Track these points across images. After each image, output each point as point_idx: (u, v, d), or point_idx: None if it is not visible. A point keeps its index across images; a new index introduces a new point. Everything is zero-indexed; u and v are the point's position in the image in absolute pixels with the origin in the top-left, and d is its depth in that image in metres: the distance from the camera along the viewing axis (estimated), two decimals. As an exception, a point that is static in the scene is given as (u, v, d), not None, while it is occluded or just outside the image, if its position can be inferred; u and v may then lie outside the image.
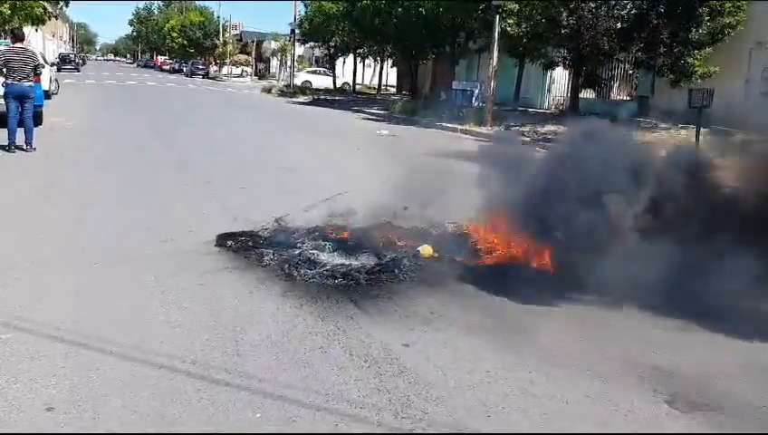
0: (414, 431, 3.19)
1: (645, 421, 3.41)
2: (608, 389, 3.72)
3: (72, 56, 61.35)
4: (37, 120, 12.43)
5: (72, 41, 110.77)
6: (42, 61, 13.47)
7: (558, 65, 23.39)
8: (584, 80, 21.98)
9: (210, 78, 60.58)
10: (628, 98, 24.18)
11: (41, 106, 13.39)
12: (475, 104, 23.35)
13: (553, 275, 5.23)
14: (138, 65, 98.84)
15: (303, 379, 3.67)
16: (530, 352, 4.14)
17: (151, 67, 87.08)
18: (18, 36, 11.72)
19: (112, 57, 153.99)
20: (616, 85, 25.02)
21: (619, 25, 19.47)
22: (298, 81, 46.14)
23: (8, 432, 3.02)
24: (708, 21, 18.16)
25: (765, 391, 3.80)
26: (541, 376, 3.84)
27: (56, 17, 42.74)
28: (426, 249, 5.98)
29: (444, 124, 21.07)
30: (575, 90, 22.42)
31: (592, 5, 19.19)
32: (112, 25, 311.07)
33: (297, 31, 44.44)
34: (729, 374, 3.99)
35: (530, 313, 4.80)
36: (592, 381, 3.80)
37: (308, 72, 50.15)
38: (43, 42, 48.25)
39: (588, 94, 23.30)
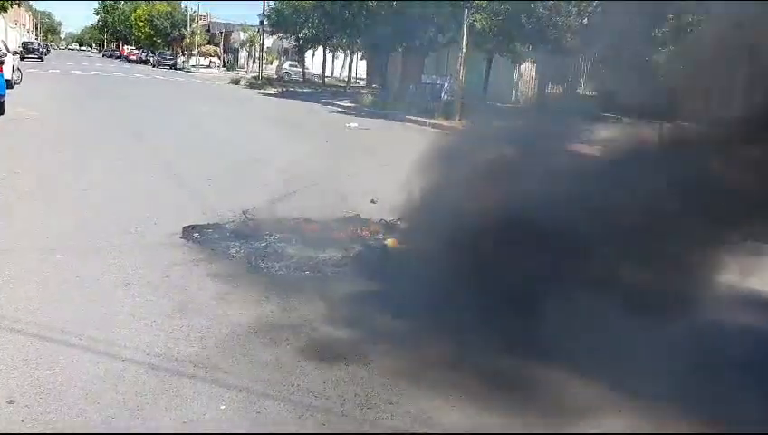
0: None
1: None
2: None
3: (35, 45, 60.01)
4: (-1, 109, 12.21)
5: (36, 29, 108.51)
6: (4, 49, 13.19)
7: (526, 60, 23.58)
8: (551, 75, 22.20)
9: (178, 69, 59.72)
10: (594, 93, 24.44)
11: (3, 96, 13.14)
12: (445, 98, 23.43)
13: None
14: (103, 55, 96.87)
15: (269, 371, 3.68)
16: (494, 342, 4.19)
17: (117, 57, 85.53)
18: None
19: (77, 47, 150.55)
20: (582, 80, 25.27)
21: (585, 21, 19.66)
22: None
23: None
24: (672, 20, 18.43)
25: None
26: (503, 365, 3.90)
27: (18, 5, 41.81)
28: (392, 242, 6.02)
29: (413, 118, 21.12)
30: (542, 84, 22.63)
31: (549, 3, 19.36)
32: (77, 14, 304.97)
33: (266, 22, 44.09)
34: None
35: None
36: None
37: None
38: (5, 30, 47.18)
39: (556, 89, 23.52)
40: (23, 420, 3.08)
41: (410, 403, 3.42)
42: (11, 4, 33.50)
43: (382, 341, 4.15)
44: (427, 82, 25.50)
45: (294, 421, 3.20)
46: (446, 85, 24.68)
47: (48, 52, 70.95)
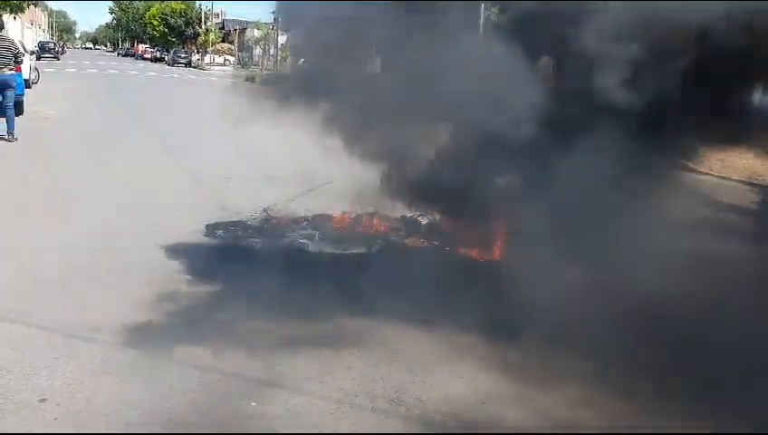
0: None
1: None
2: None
3: (51, 44, 60.39)
4: (18, 109, 12.25)
5: (51, 29, 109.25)
6: (21, 49, 13.24)
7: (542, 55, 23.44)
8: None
9: (193, 67, 59.96)
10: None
11: (22, 95, 13.18)
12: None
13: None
14: (118, 54, 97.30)
15: (297, 368, 3.68)
16: (523, 340, 4.16)
17: (132, 56, 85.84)
18: (-2, 25, 11.54)
19: (91, 46, 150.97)
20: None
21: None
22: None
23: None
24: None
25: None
26: (532, 365, 3.88)
27: (35, 5, 42.09)
28: (413, 239, 5.99)
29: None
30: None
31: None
32: (92, 13, 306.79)
33: (280, 19, 44.10)
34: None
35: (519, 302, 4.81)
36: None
37: None
38: (22, 30, 47.55)
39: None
40: (55, 419, 3.09)
41: (440, 399, 3.41)
42: (27, 5, 33.72)
43: (410, 337, 4.15)
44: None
45: (327, 419, 3.20)
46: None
47: (64, 51, 71.42)
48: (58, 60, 52.07)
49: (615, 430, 3.25)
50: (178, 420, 3.12)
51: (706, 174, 10.09)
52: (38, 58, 37.23)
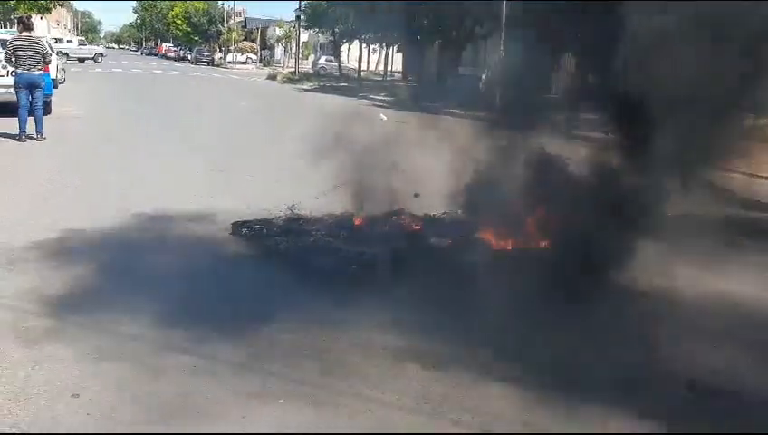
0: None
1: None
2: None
3: (77, 44, 61.09)
4: (46, 108, 12.42)
5: (76, 29, 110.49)
6: (49, 49, 13.40)
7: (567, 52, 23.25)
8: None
9: (215, 65, 60.37)
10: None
11: (50, 95, 13.37)
12: (483, 90, 23.25)
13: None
14: (142, 53, 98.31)
15: (323, 365, 3.70)
16: (556, 333, 4.16)
17: (155, 55, 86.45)
18: (27, 25, 11.68)
19: (114, 45, 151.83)
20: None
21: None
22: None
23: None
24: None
25: None
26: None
27: (61, 5, 42.62)
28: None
29: (450, 110, 20.99)
30: (584, 75, 22.35)
31: None
32: (116, 13, 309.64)
33: (302, 17, 44.24)
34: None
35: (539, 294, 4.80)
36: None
37: None
38: (48, 30, 48.17)
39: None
40: (88, 414, 3.14)
41: (468, 396, 3.42)
42: (54, 5, 34.15)
43: (437, 335, 4.15)
44: (465, 73, 25.33)
45: (353, 416, 3.21)
46: (483, 77, 24.48)
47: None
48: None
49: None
50: (206, 415, 3.16)
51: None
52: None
